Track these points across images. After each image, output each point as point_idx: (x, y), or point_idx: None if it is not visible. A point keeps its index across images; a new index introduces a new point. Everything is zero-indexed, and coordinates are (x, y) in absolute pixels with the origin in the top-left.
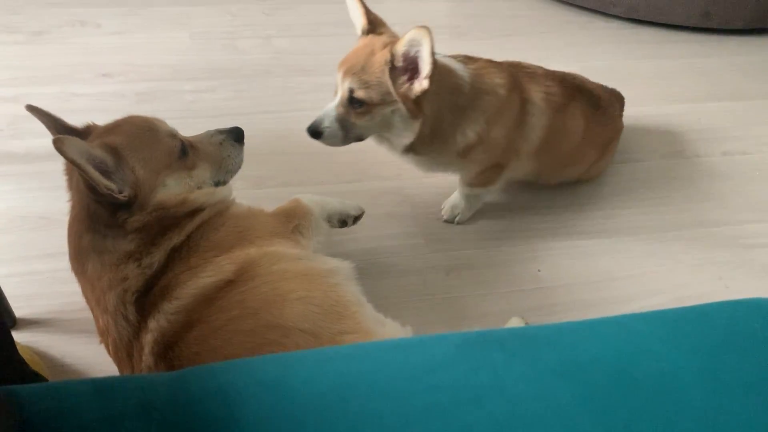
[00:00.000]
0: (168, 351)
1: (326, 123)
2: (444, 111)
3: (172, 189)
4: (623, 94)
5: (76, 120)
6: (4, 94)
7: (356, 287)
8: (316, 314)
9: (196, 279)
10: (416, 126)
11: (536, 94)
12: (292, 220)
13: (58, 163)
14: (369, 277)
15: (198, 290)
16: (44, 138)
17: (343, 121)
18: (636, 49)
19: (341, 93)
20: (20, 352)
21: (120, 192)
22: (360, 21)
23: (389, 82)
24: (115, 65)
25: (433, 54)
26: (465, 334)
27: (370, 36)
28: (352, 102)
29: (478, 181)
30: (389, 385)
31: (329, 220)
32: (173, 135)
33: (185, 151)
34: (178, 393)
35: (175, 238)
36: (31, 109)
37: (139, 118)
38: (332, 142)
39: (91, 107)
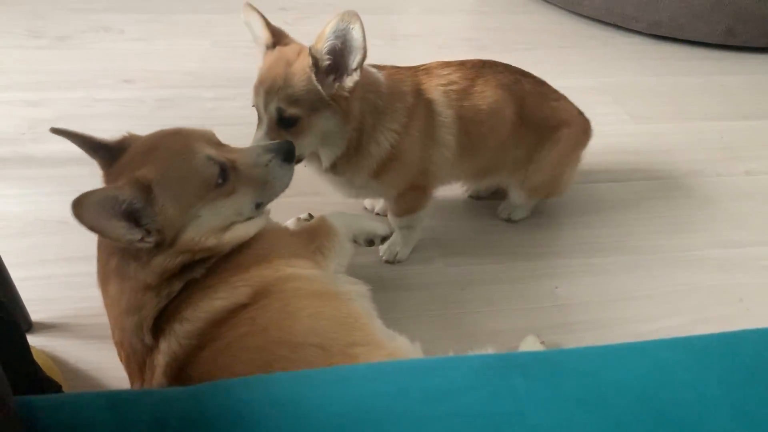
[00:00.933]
0: (181, 372)
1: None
2: (366, 113)
3: (206, 221)
4: (644, 109)
5: (97, 126)
6: (27, 98)
7: (369, 304)
8: (326, 327)
9: (209, 301)
10: (347, 132)
11: (435, 89)
12: (314, 240)
13: (77, 167)
14: (381, 289)
15: (210, 314)
16: (64, 143)
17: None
18: (657, 65)
19: (267, 118)
20: (35, 356)
21: (145, 238)
22: (263, 35)
23: (318, 87)
24: (137, 71)
25: (364, 38)
26: (485, 357)
27: (278, 49)
28: (282, 123)
29: (401, 209)
30: (407, 410)
31: (355, 239)
32: (211, 160)
33: (225, 177)
34: (192, 409)
35: (198, 272)
36: (57, 131)
37: (178, 137)
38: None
39: (113, 112)
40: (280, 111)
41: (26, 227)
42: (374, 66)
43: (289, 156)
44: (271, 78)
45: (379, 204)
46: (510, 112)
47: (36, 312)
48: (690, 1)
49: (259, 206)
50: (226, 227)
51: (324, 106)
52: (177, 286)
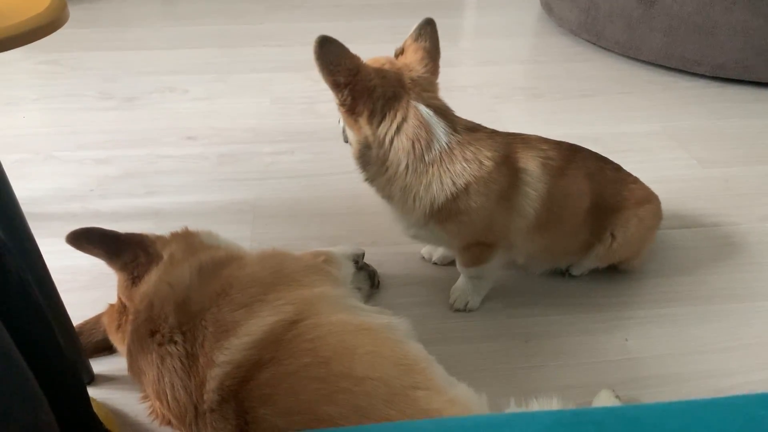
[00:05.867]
0: (240, 388)
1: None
2: (401, 153)
3: None
4: (712, 154)
5: (160, 182)
6: (97, 156)
7: (419, 344)
8: (385, 366)
9: (258, 318)
10: (354, 140)
11: (533, 159)
12: (318, 256)
13: (141, 222)
14: (442, 341)
15: (265, 328)
16: (130, 198)
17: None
18: (723, 108)
19: None
20: (96, 409)
21: None
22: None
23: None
24: (200, 129)
25: (329, 65)
26: (557, 414)
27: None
28: None
29: (467, 260)
30: None
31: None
32: None
33: None
34: None
35: None
36: (74, 241)
37: None
38: (342, 135)
39: (176, 168)
40: None
41: (93, 281)
42: (472, 124)
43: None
44: None
45: (437, 253)
46: (589, 202)
47: (99, 364)
48: (755, 42)
49: None
50: None
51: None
52: None
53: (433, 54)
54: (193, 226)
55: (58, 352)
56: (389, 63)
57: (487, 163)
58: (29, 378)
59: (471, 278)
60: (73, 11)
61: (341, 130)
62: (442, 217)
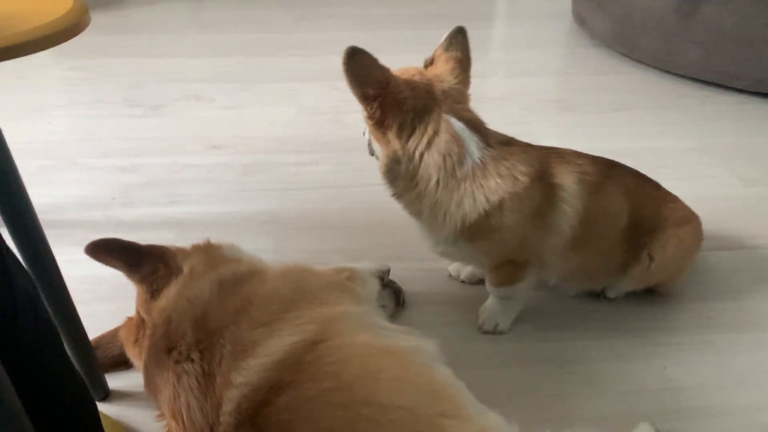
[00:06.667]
0: (257, 413)
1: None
2: (432, 169)
3: None
4: (754, 171)
5: (183, 191)
6: (121, 163)
7: (447, 368)
8: (411, 392)
9: (278, 338)
10: (383, 154)
11: (569, 174)
12: (342, 272)
13: (164, 232)
14: (470, 365)
15: (285, 348)
16: (153, 207)
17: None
18: (764, 125)
19: None
20: (108, 427)
21: None
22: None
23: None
24: (225, 137)
25: (357, 77)
26: None
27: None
28: None
29: (497, 280)
30: None
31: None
32: None
33: None
34: None
35: None
36: (93, 252)
37: None
38: (368, 148)
39: (200, 177)
40: None
41: (113, 292)
42: (505, 138)
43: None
44: None
45: (465, 271)
46: (627, 220)
47: (114, 379)
48: None
49: None
50: None
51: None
52: None
53: (464, 64)
54: (215, 237)
55: (67, 370)
56: (419, 74)
57: (522, 178)
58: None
59: (501, 299)
60: (102, 17)
61: (366, 143)
62: (473, 234)
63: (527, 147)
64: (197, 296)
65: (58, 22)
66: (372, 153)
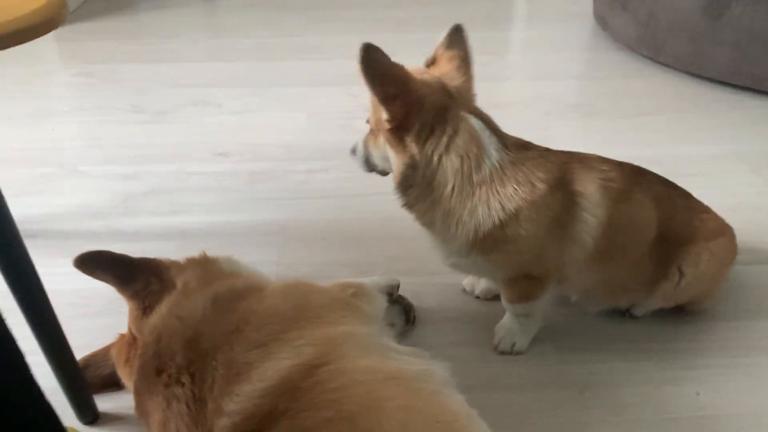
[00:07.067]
0: None
1: (359, 144)
2: (448, 173)
3: None
4: None
5: (187, 200)
6: (124, 171)
7: (459, 396)
8: (420, 423)
9: (274, 361)
10: (398, 162)
11: (592, 182)
12: (347, 288)
13: (164, 242)
14: (484, 388)
15: (281, 372)
16: (155, 217)
17: (366, 145)
18: None
19: None
20: None
21: None
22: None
23: (381, 109)
24: (232, 144)
25: (377, 75)
26: None
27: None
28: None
29: (513, 296)
30: None
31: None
32: None
33: None
34: None
35: None
36: (82, 265)
37: None
38: (357, 162)
39: (204, 186)
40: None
41: (108, 306)
42: (522, 141)
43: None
44: None
45: (480, 286)
46: (656, 232)
47: (105, 401)
48: None
49: None
50: None
51: (382, 130)
52: None
53: (468, 61)
54: (219, 247)
55: (30, 396)
56: (426, 73)
57: (540, 185)
58: None
59: (518, 316)
60: (111, 23)
61: (362, 160)
62: (487, 246)
63: (546, 152)
64: (189, 314)
65: (32, 15)
66: (372, 168)
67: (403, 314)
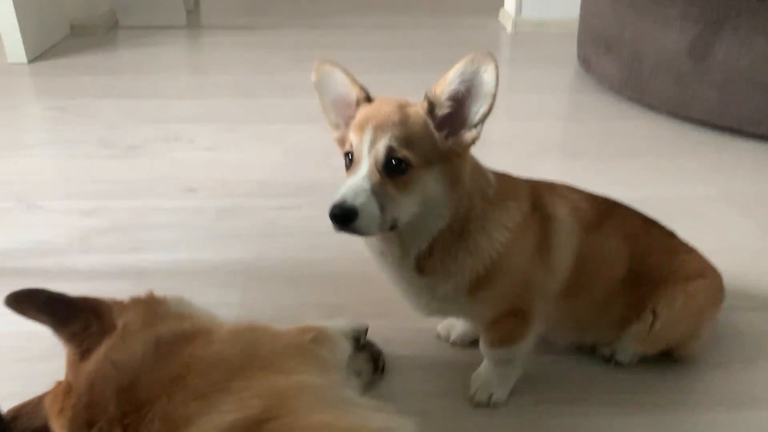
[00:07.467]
0: None
1: (361, 198)
2: (475, 196)
3: None
4: None
5: (148, 237)
6: (85, 206)
7: None
8: None
9: (216, 414)
10: (453, 201)
11: (561, 206)
12: (306, 332)
13: (119, 282)
14: None
15: (223, 428)
16: (113, 254)
17: (380, 195)
18: None
19: (372, 158)
20: None
21: None
22: (352, 90)
23: (436, 134)
24: (202, 180)
25: (497, 84)
26: None
27: (378, 99)
28: (390, 167)
29: (496, 338)
30: None
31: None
32: None
33: None
34: None
35: None
36: (15, 304)
37: None
38: (368, 227)
39: (169, 222)
40: (390, 150)
41: (52, 349)
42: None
43: None
44: (383, 114)
45: (455, 332)
46: (626, 268)
47: None
48: None
49: None
50: None
51: (437, 161)
52: None
53: None
54: (178, 287)
55: None
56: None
57: (522, 210)
58: None
59: (497, 363)
60: (91, 59)
61: (373, 216)
62: (481, 282)
63: (514, 177)
64: (126, 359)
65: None
66: (393, 223)
67: (371, 362)
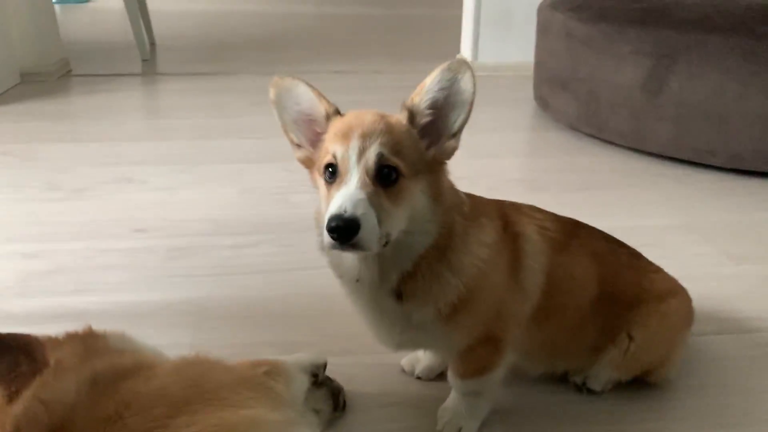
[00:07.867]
0: None
1: (361, 208)
2: (454, 211)
3: None
4: (742, 249)
5: (91, 278)
6: (26, 249)
7: None
8: None
9: None
10: (438, 216)
11: (528, 225)
12: (259, 366)
13: (56, 326)
14: None
15: None
16: (53, 297)
17: (376, 206)
18: (746, 202)
19: (362, 168)
20: None
21: None
22: (320, 105)
23: (421, 143)
24: (152, 220)
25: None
26: None
27: (350, 113)
28: (381, 176)
29: (468, 368)
30: None
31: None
32: None
33: None
34: None
35: None
36: None
37: None
38: (371, 240)
39: (116, 263)
40: (381, 158)
41: None
42: None
43: None
44: (368, 122)
45: (420, 365)
46: (598, 290)
47: None
48: None
49: None
50: None
51: (423, 171)
52: None
53: None
54: (125, 328)
55: None
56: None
57: (496, 227)
58: None
59: (467, 395)
60: (42, 105)
61: (372, 231)
62: (462, 303)
63: (478, 196)
64: (58, 398)
65: None
66: (388, 239)
67: (331, 399)
